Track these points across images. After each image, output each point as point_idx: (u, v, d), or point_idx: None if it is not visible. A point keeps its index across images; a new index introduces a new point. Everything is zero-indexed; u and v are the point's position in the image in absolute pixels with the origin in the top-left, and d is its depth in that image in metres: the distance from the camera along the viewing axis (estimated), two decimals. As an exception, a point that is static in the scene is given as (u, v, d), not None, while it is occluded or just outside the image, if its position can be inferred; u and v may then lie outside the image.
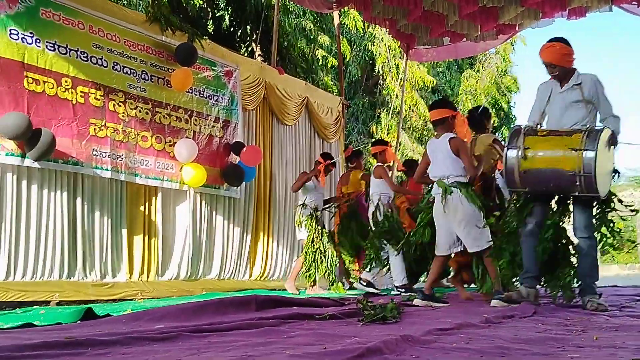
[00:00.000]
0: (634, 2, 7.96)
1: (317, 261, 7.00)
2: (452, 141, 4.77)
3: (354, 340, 2.49)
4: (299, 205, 7.31)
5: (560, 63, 4.37)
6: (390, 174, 7.27)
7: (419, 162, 5.07)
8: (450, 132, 4.88)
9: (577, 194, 4.10)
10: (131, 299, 6.03)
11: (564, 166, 4.03)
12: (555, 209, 4.49)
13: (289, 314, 3.43)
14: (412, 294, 5.98)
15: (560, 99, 4.40)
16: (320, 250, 7.01)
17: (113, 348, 2.36)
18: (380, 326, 3.15)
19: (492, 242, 4.70)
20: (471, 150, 5.33)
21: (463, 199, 4.66)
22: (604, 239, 4.37)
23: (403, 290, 6.45)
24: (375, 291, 6.62)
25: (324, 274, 7.00)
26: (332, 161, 7.72)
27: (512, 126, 4.50)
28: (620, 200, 4.46)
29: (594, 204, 4.29)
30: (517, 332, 2.85)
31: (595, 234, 4.34)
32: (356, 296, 5.51)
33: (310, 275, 7.04)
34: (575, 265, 4.38)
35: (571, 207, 4.40)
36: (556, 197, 4.48)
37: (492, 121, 5.83)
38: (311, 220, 7.13)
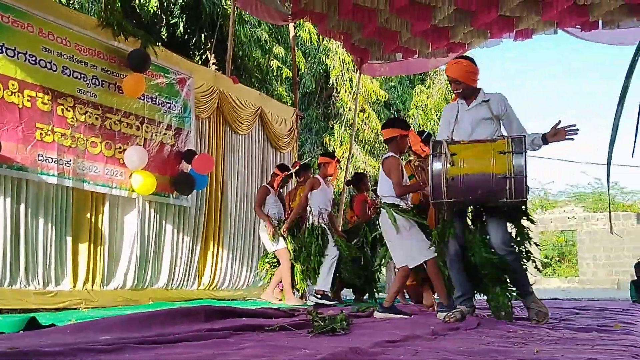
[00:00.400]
0: (577, 26, 8.31)
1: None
2: (384, 162, 4.99)
3: (303, 352, 2.51)
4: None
5: (465, 80, 4.40)
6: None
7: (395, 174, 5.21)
8: (401, 150, 5.07)
9: (504, 200, 3.99)
10: (75, 308, 5.88)
11: (494, 169, 3.93)
12: (472, 227, 4.50)
13: (238, 325, 3.41)
14: (329, 302, 6.19)
15: (468, 116, 4.42)
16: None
17: (58, 359, 2.31)
18: (330, 338, 3.18)
19: (432, 256, 4.78)
20: (417, 172, 5.57)
21: (387, 219, 4.86)
22: (528, 254, 4.44)
23: (319, 296, 6.56)
24: (328, 303, 6.65)
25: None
26: (289, 173, 7.75)
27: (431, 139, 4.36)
28: (527, 215, 4.53)
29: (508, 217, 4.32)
30: (462, 344, 2.92)
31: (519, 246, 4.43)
32: (306, 307, 5.53)
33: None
34: (507, 282, 4.39)
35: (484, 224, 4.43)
36: (470, 214, 4.50)
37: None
38: (276, 232, 7.15)
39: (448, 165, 3.97)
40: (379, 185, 5.05)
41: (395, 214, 4.81)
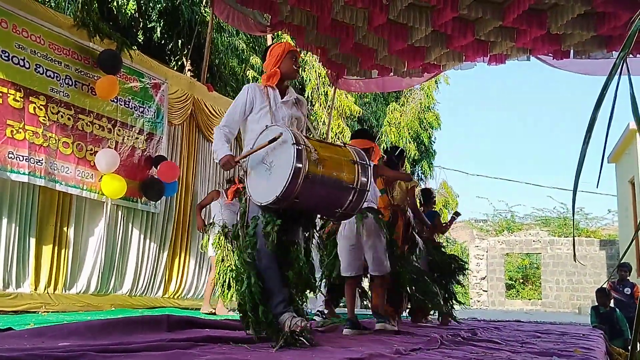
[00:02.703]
0: (549, 54, 8.50)
1: (229, 279, 6.82)
2: (375, 169, 4.99)
3: (266, 366, 2.49)
4: (209, 223, 7.21)
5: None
6: None
7: None
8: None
9: (339, 211, 3.61)
10: (35, 312, 5.76)
11: (345, 177, 3.57)
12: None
13: (200, 337, 3.38)
14: (326, 319, 6.08)
15: (285, 109, 4.00)
16: (232, 269, 6.86)
17: (13, 365, 2.26)
18: (293, 352, 3.16)
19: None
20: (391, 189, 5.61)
21: (375, 225, 4.86)
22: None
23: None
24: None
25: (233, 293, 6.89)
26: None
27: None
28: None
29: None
30: (424, 364, 2.94)
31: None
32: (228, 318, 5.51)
33: (225, 294, 6.87)
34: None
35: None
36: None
37: (404, 163, 6.15)
38: (219, 238, 6.83)
39: (312, 161, 3.44)
40: None
41: (379, 217, 4.90)
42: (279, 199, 3.39)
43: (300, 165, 3.33)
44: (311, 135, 4.15)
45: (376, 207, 5.00)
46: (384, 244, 4.93)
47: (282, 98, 3.99)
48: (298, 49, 4.30)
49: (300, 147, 3.37)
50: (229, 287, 6.77)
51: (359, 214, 4.74)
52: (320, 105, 16.41)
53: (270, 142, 3.48)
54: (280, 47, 4.06)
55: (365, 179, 3.59)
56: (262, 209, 3.56)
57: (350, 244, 4.96)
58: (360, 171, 3.58)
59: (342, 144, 3.87)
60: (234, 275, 3.59)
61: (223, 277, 6.79)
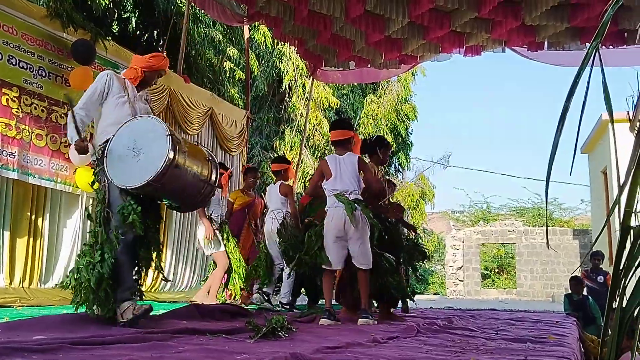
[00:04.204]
0: (524, 46, 8.58)
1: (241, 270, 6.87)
2: (360, 160, 4.98)
3: (244, 356, 2.50)
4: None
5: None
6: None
7: (313, 176, 5.12)
8: (346, 152, 5.05)
9: (191, 201, 4.02)
10: (9, 306, 5.67)
11: (202, 172, 3.91)
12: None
13: (178, 329, 3.37)
14: (296, 310, 6.12)
15: (139, 104, 4.22)
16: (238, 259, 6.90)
17: (-13, 359, 2.23)
18: (272, 343, 3.17)
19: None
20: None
21: (363, 217, 4.81)
22: None
23: (287, 307, 6.53)
24: (270, 307, 6.61)
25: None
26: (230, 171, 7.52)
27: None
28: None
29: None
30: (402, 352, 2.97)
31: None
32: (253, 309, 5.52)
33: (246, 286, 6.95)
34: None
35: None
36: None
37: (388, 152, 5.90)
38: (222, 232, 6.93)
39: (180, 154, 3.71)
40: (342, 181, 4.89)
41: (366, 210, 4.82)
42: (148, 183, 3.60)
43: (173, 154, 3.61)
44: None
45: (362, 199, 4.92)
46: (368, 237, 4.89)
47: (137, 93, 4.21)
48: (166, 70, 4.42)
49: (174, 138, 3.68)
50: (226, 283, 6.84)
51: (348, 207, 4.71)
52: (298, 97, 16.38)
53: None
54: (159, 61, 4.28)
55: (215, 176, 3.98)
56: (124, 193, 3.74)
57: (336, 237, 4.86)
58: (213, 168, 3.97)
59: (196, 143, 4.14)
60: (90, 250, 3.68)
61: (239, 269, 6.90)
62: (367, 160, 5.62)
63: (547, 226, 2.26)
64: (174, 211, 8.47)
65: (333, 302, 5.09)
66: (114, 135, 3.82)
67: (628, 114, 2.02)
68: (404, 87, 19.47)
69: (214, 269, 7.12)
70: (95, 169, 3.94)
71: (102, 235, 3.70)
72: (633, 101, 2.04)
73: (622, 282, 1.93)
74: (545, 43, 8.41)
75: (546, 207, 1.90)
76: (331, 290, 5.11)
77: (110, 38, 7.69)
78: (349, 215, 4.72)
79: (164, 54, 11.59)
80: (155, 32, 11.92)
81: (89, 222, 6.97)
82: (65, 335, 2.93)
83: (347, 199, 4.80)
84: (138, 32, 11.99)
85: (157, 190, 3.74)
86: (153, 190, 3.74)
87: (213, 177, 3.96)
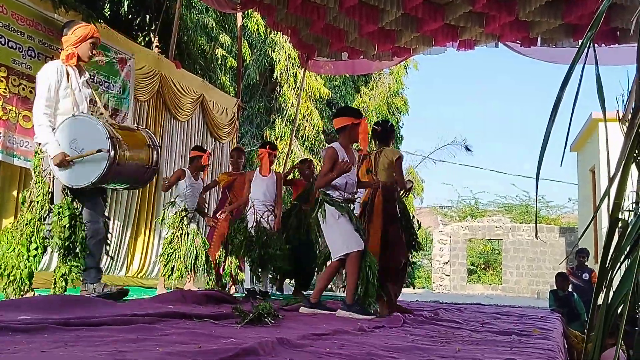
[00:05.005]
0: (517, 41, 8.60)
1: (172, 260, 6.45)
2: (327, 151, 4.87)
3: (230, 340, 2.49)
4: (168, 203, 6.81)
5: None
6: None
7: (323, 166, 4.95)
8: (352, 140, 4.96)
9: (135, 185, 4.70)
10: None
11: (143, 158, 4.33)
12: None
13: (164, 312, 3.36)
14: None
15: (84, 89, 4.48)
16: (176, 250, 6.50)
17: (-30, 337, 2.21)
18: (258, 329, 3.17)
19: (356, 249, 4.61)
20: (376, 162, 5.38)
21: (330, 209, 4.69)
22: None
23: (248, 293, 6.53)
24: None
25: (179, 275, 6.63)
26: (208, 152, 7.27)
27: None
28: None
29: None
30: (388, 340, 2.98)
31: None
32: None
33: (165, 274, 6.51)
34: None
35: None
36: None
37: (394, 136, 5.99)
38: (177, 220, 6.56)
39: (120, 152, 4.08)
40: (319, 175, 4.90)
41: (325, 203, 4.71)
42: (93, 183, 4.04)
43: (113, 155, 3.98)
44: (103, 115, 4.56)
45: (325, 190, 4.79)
46: (333, 227, 4.69)
47: (80, 78, 4.36)
48: (99, 37, 4.51)
49: (114, 140, 4.01)
50: (172, 268, 6.54)
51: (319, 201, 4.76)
52: (289, 87, 16.33)
53: (99, 151, 4.01)
54: (84, 30, 4.39)
55: (157, 157, 4.39)
56: (66, 189, 4.10)
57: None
58: (153, 151, 4.35)
59: (136, 127, 4.57)
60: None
61: (168, 258, 6.47)
62: (379, 148, 5.49)
63: (536, 217, 2.28)
64: (163, 198, 8.47)
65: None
66: (56, 130, 4.14)
67: (618, 112, 2.03)
68: (396, 80, 19.47)
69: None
70: (41, 155, 4.18)
71: (39, 227, 4.09)
72: (623, 100, 2.04)
73: (609, 274, 1.94)
74: (539, 39, 8.44)
75: (536, 196, 1.91)
76: (328, 280, 5.08)
77: (102, 21, 7.59)
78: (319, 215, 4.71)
79: (156, 39, 11.56)
80: (148, 16, 11.80)
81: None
82: (50, 316, 2.91)
83: (320, 194, 4.76)
84: (130, 16, 11.87)
85: (102, 184, 4.20)
86: (98, 185, 4.17)
87: (154, 160, 4.36)
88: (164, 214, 6.81)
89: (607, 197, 1.90)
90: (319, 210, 4.71)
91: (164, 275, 6.49)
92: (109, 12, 11.72)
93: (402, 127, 20.79)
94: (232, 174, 7.52)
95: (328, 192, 4.76)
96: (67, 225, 4.06)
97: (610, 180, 1.91)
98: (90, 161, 4.00)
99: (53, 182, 4.09)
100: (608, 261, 1.94)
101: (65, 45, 4.31)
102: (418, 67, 20.02)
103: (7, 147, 6.08)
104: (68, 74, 4.24)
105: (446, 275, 23.46)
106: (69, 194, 4.11)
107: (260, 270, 6.58)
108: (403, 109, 20.07)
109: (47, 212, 4.09)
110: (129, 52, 7.74)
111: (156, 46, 11.49)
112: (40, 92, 4.18)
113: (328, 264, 5.17)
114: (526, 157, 63.25)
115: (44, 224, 4.11)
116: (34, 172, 4.22)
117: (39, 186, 4.11)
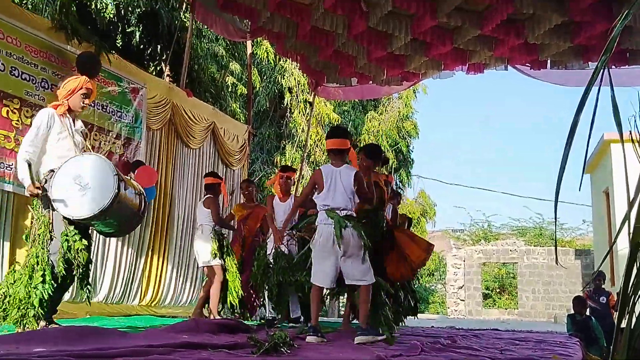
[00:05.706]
0: (527, 64, 8.61)
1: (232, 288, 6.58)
2: (357, 175, 4.69)
3: (246, 371, 2.46)
4: (214, 229, 6.65)
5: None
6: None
7: (305, 186, 4.96)
8: (346, 162, 4.88)
9: (124, 229, 4.85)
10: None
11: (135, 205, 4.51)
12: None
13: (179, 343, 3.33)
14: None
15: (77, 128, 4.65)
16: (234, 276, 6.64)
17: (-14, 371, 2.20)
18: (275, 358, 3.13)
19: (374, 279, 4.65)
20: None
21: (354, 233, 4.56)
22: None
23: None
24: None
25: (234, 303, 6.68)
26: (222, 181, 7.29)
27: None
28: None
29: None
30: (406, 369, 2.93)
31: None
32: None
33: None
34: None
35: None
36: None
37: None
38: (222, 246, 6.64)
39: (123, 191, 4.26)
40: (335, 197, 4.63)
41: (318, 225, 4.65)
42: (95, 215, 4.14)
43: (118, 190, 4.14)
44: None
45: (354, 215, 4.70)
46: (364, 253, 4.60)
47: (75, 126, 4.57)
48: (92, 87, 4.65)
49: (120, 178, 4.21)
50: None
51: (337, 225, 4.48)
52: (299, 113, 16.42)
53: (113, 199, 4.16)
54: (74, 83, 4.55)
55: (144, 208, 4.61)
56: (65, 220, 4.20)
57: (325, 253, 4.62)
58: (142, 201, 4.57)
59: (128, 178, 4.67)
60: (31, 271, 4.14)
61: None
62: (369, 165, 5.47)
63: (555, 242, 2.24)
64: (176, 225, 8.49)
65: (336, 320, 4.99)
66: (60, 167, 4.18)
67: (631, 133, 2.01)
68: (405, 104, 19.54)
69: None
70: (40, 193, 4.25)
71: (43, 257, 4.12)
72: (635, 121, 2.03)
73: (632, 298, 1.90)
74: (548, 62, 8.44)
75: (555, 219, 1.89)
76: (319, 306, 4.93)
77: (114, 52, 7.70)
78: (337, 233, 4.47)
79: (167, 68, 11.70)
80: (159, 46, 11.97)
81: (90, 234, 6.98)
82: (66, 348, 2.89)
83: (338, 217, 4.54)
84: (142, 46, 12.05)
85: (99, 220, 4.26)
86: (95, 220, 4.25)
87: (142, 209, 4.57)
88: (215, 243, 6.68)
89: (627, 221, 1.88)
90: (357, 230, 4.62)
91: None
92: (121, 43, 11.91)
93: (412, 151, 20.81)
94: (246, 205, 7.43)
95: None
96: (81, 249, 4.20)
97: (630, 204, 1.88)
98: (93, 194, 4.13)
99: (52, 214, 4.24)
100: (630, 286, 1.90)
101: (58, 98, 4.52)
102: (427, 92, 20.11)
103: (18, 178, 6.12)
104: (63, 123, 4.44)
105: (461, 300, 23.19)
106: (69, 225, 4.23)
107: (275, 298, 6.47)
108: (413, 133, 20.10)
109: (49, 241, 4.21)
110: (141, 81, 7.83)
111: (167, 75, 11.63)
112: (28, 134, 4.36)
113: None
114: (538, 177, 62.89)
115: (49, 253, 4.19)
116: (33, 208, 4.36)
117: (39, 219, 4.25)
